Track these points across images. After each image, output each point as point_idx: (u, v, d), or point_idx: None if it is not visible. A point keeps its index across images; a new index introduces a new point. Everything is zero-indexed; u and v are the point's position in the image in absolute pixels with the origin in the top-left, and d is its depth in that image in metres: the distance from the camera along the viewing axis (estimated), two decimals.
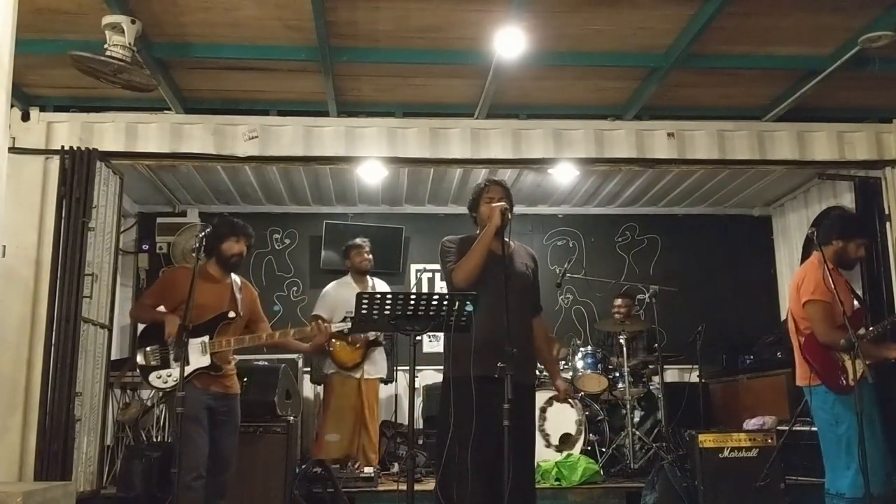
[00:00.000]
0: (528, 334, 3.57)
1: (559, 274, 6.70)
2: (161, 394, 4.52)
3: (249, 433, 4.53)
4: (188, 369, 3.80)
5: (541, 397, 5.41)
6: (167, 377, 3.82)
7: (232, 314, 4.01)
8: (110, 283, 5.22)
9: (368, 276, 5.75)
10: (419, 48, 4.64)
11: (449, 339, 3.40)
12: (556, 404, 5.48)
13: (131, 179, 6.14)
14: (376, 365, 5.59)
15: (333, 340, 5.31)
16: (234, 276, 4.16)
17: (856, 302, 3.97)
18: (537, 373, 5.83)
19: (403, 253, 7.51)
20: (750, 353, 6.56)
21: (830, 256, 3.89)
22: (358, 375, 5.46)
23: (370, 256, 5.72)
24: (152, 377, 3.87)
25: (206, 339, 3.89)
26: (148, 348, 3.91)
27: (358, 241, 5.79)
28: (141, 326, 4.22)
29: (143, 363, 3.90)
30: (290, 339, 4.15)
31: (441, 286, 7.02)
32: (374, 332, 5.33)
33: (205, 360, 3.87)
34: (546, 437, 5.55)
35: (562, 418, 5.61)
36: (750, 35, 4.51)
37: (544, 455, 5.40)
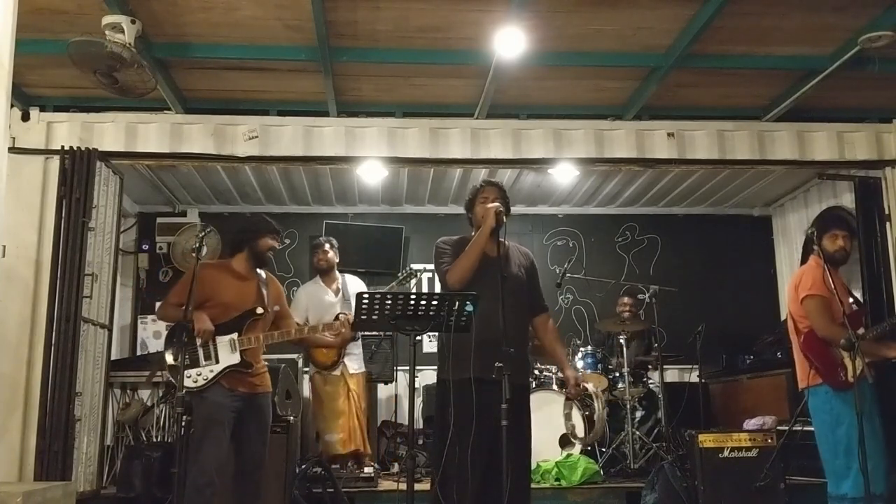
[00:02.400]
0: (524, 335, 3.56)
1: (559, 274, 6.69)
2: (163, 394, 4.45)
3: None
4: (218, 367, 3.76)
5: (542, 398, 5.42)
6: (197, 376, 3.74)
7: (260, 310, 3.93)
8: (110, 283, 5.22)
9: (339, 274, 5.71)
10: (419, 48, 4.65)
11: (443, 341, 3.39)
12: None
13: (131, 179, 6.14)
14: (355, 359, 5.53)
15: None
16: (259, 272, 4.09)
17: (854, 304, 3.98)
18: (536, 372, 5.89)
19: (403, 253, 7.51)
20: (750, 353, 6.56)
21: (818, 256, 3.90)
22: (338, 372, 5.44)
23: (328, 256, 5.62)
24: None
25: (234, 336, 3.82)
26: (176, 348, 3.82)
27: (321, 240, 5.76)
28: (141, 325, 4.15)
29: (173, 363, 3.83)
30: (319, 334, 4.08)
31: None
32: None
33: (235, 358, 3.80)
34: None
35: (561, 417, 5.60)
36: (750, 35, 4.51)
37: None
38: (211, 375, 3.75)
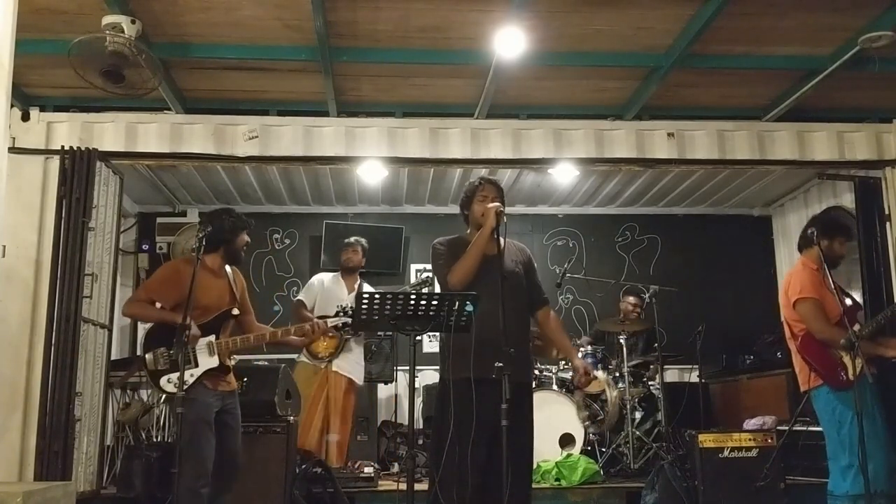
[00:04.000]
0: (525, 333, 3.56)
1: (559, 274, 6.69)
2: (164, 396, 4.41)
3: (249, 433, 4.52)
4: (198, 371, 3.72)
5: (542, 398, 5.41)
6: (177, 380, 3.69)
7: (236, 311, 3.93)
8: (110, 283, 5.22)
9: (359, 277, 5.70)
10: (419, 48, 4.65)
11: (444, 341, 3.39)
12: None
13: (131, 179, 6.14)
14: (349, 362, 5.47)
15: None
16: (226, 267, 4.07)
17: (847, 300, 3.98)
18: (536, 372, 5.89)
19: (403, 253, 7.51)
20: (750, 353, 6.56)
21: (815, 257, 3.90)
22: (324, 366, 5.39)
23: (358, 256, 5.64)
24: (163, 381, 3.74)
25: (212, 338, 3.80)
26: (158, 351, 3.77)
27: (352, 239, 5.78)
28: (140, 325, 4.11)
29: (153, 367, 3.77)
30: (292, 336, 4.10)
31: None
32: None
33: (213, 361, 3.78)
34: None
35: (561, 417, 5.61)
36: (750, 35, 4.51)
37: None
38: (191, 380, 3.69)
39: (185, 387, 3.65)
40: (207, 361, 3.77)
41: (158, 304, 3.91)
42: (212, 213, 4.08)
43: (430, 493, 3.29)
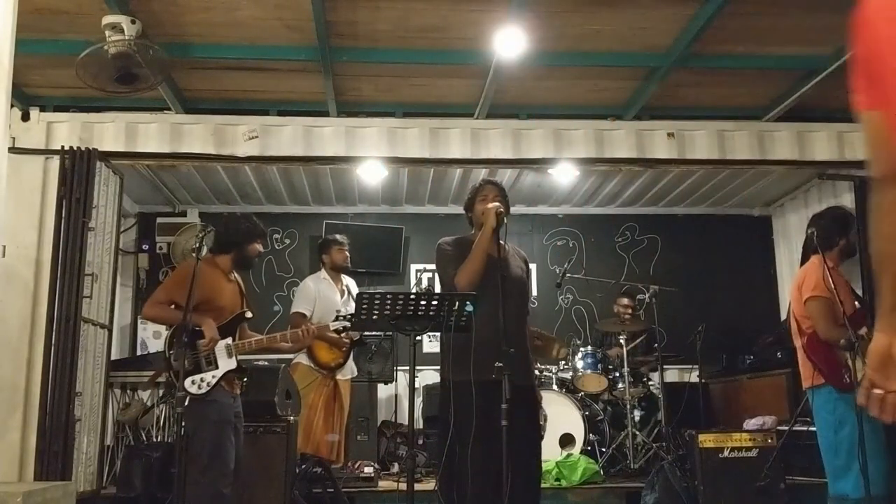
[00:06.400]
0: (525, 336, 3.57)
1: (559, 274, 6.69)
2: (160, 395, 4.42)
3: (249, 433, 4.51)
4: (219, 373, 3.74)
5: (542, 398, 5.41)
6: (201, 382, 3.71)
7: (249, 314, 3.96)
8: (110, 283, 5.23)
9: (343, 275, 5.62)
10: (419, 48, 4.65)
11: (445, 342, 3.39)
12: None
13: (131, 179, 6.14)
14: (351, 364, 5.42)
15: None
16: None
17: (856, 302, 3.98)
18: (536, 372, 5.89)
19: (403, 253, 7.51)
20: (750, 353, 6.56)
21: (835, 255, 3.90)
22: (330, 374, 5.35)
23: (348, 255, 5.43)
24: (187, 382, 3.72)
25: (229, 340, 3.82)
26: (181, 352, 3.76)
27: (338, 237, 5.54)
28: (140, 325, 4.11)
29: (177, 368, 3.75)
30: (287, 342, 4.12)
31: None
32: (357, 333, 5.18)
33: (232, 363, 3.80)
34: None
35: (561, 417, 5.62)
36: (750, 35, 4.51)
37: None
38: (213, 381, 3.73)
39: (208, 388, 3.70)
40: (227, 363, 3.79)
41: (173, 306, 3.90)
42: (229, 215, 4.11)
43: (442, 491, 3.28)
